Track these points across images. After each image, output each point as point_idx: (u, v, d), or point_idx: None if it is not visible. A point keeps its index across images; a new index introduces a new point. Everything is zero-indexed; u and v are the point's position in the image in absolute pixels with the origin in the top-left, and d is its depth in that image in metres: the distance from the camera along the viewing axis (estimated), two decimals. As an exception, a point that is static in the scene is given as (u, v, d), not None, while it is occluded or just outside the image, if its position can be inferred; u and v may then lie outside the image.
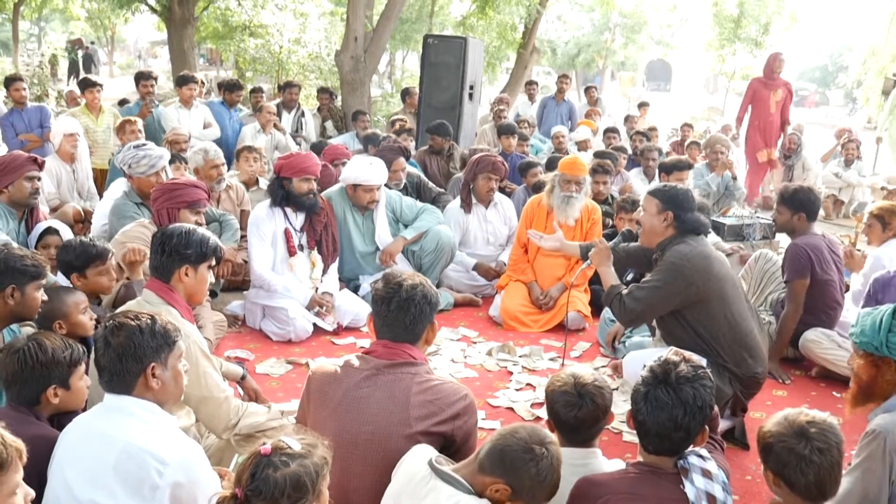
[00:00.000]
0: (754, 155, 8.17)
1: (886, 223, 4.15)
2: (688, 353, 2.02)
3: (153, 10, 13.71)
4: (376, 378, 2.12)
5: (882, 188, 8.27)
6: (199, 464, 1.79)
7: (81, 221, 5.42)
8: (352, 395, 2.11)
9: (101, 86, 6.90)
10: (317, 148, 6.39)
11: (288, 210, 4.25)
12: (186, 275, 2.49)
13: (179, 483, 1.71)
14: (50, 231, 3.72)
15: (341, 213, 4.66)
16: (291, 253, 4.25)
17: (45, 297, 2.54)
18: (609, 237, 4.24)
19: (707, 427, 1.92)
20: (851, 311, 4.15)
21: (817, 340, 3.78)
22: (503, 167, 5.15)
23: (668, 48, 32.05)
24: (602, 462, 2.14)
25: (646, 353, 2.98)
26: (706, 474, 1.85)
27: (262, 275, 4.15)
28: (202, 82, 8.61)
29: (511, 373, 3.83)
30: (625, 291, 3.06)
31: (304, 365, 3.78)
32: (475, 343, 4.24)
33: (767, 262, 4.21)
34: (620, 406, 3.10)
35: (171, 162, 4.91)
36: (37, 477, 1.77)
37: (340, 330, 4.30)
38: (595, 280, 4.67)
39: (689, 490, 1.82)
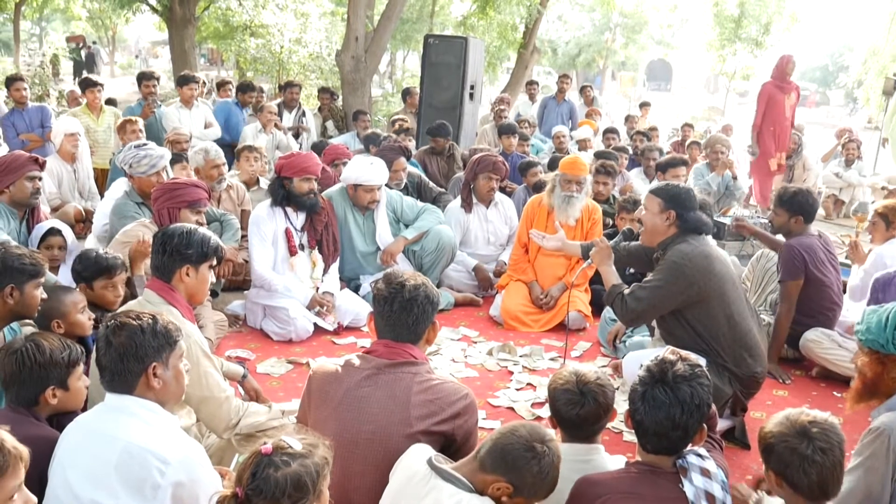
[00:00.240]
0: (767, 161, 7.69)
1: (890, 221, 4.15)
2: (685, 353, 2.02)
3: (154, 10, 13.73)
4: (377, 377, 2.12)
5: (882, 188, 8.27)
6: (201, 463, 1.79)
7: (82, 221, 5.43)
8: (353, 394, 2.11)
9: (101, 86, 6.91)
10: (317, 148, 6.40)
11: (289, 210, 4.25)
12: (187, 275, 2.49)
13: (181, 482, 1.71)
14: (53, 232, 3.73)
15: (342, 213, 4.67)
16: (292, 253, 4.25)
17: (45, 296, 2.55)
18: (610, 237, 4.24)
19: (705, 426, 1.93)
20: (852, 310, 4.16)
21: (818, 340, 3.78)
22: (504, 167, 5.16)
23: (669, 48, 32.05)
24: (605, 458, 2.14)
25: (645, 354, 2.98)
26: (705, 473, 1.85)
27: (263, 274, 4.16)
28: (203, 82, 8.64)
29: (511, 372, 3.83)
30: (627, 291, 3.06)
31: (304, 364, 3.78)
32: (476, 343, 4.25)
33: (768, 262, 4.21)
34: (621, 406, 3.10)
35: (174, 162, 4.92)
36: (37, 477, 1.78)
37: (341, 329, 4.30)
38: (595, 280, 4.67)
39: (688, 489, 1.82)
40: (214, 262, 2.58)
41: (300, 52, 13.44)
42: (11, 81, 6.60)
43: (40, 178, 3.81)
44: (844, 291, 4.15)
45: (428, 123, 7.35)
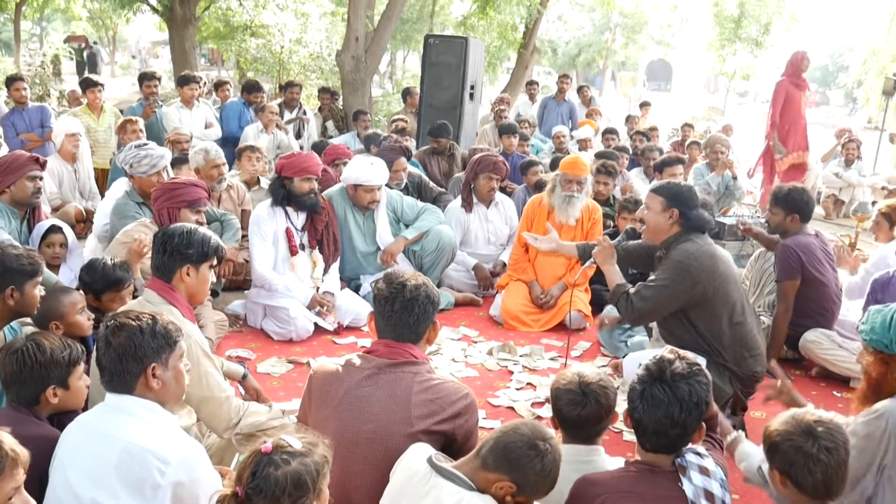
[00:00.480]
0: (780, 161, 7.50)
1: (894, 221, 4.15)
2: (683, 352, 2.02)
3: (154, 10, 13.73)
4: (378, 377, 2.12)
5: (882, 188, 8.28)
6: (201, 463, 1.79)
7: (83, 221, 5.44)
8: (353, 394, 2.11)
9: (102, 86, 6.92)
10: (318, 148, 6.40)
11: (289, 209, 4.26)
12: (188, 274, 2.49)
13: (181, 482, 1.72)
14: (54, 229, 3.73)
15: (342, 213, 4.67)
16: (293, 252, 4.25)
17: (43, 293, 2.55)
18: (611, 237, 4.24)
19: (703, 424, 1.93)
20: (852, 310, 4.16)
21: (817, 341, 3.78)
22: (504, 167, 5.16)
23: (669, 48, 32.08)
24: (605, 459, 2.15)
25: (644, 354, 2.98)
26: (704, 472, 1.86)
27: (264, 274, 4.16)
28: (204, 83, 8.65)
29: (512, 372, 3.84)
30: (632, 290, 3.04)
31: (305, 364, 3.78)
32: (476, 342, 4.25)
33: (766, 262, 4.20)
34: (621, 406, 3.10)
35: (176, 164, 4.93)
36: (38, 477, 1.78)
37: (341, 329, 4.31)
38: (595, 280, 4.68)
39: (688, 488, 1.82)
40: (215, 262, 2.58)
41: (300, 52, 13.44)
42: (11, 81, 6.61)
43: (41, 178, 3.82)
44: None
45: (428, 123, 7.36)
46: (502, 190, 5.55)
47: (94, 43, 24.36)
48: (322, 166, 4.49)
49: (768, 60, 23.24)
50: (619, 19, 28.18)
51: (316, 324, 4.21)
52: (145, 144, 4.30)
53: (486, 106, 11.19)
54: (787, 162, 7.35)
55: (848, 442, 1.79)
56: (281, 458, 1.54)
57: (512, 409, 3.43)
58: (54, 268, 3.66)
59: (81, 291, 2.89)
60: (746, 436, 3.06)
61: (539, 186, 5.29)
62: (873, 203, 7.00)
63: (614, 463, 2.14)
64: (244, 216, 4.83)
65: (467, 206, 5.13)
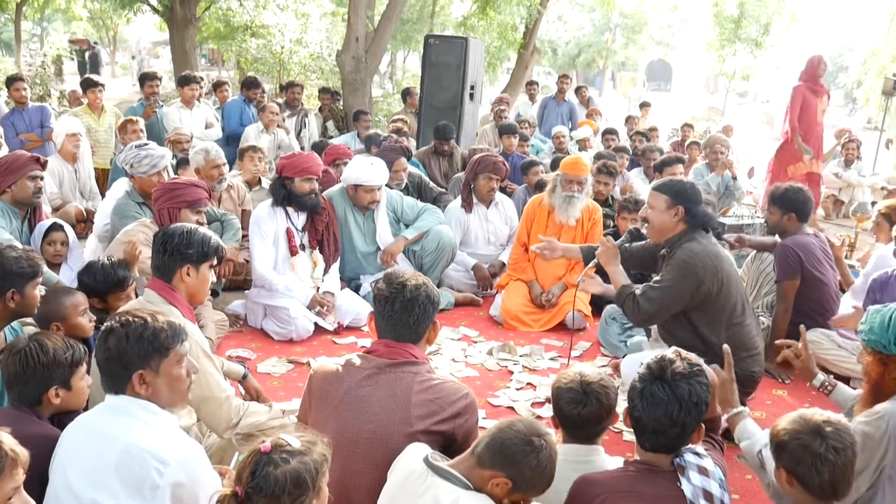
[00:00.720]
0: (786, 165, 7.25)
1: (894, 221, 4.15)
2: (686, 352, 2.03)
3: (155, 10, 13.73)
4: (378, 377, 2.12)
5: (882, 188, 8.28)
6: (200, 463, 1.80)
7: (83, 221, 5.44)
8: (353, 393, 2.11)
9: (103, 86, 6.93)
10: (318, 148, 6.41)
11: (290, 210, 4.26)
12: (188, 274, 2.49)
13: (180, 483, 1.72)
14: (55, 227, 3.74)
15: (342, 213, 4.67)
16: (293, 252, 4.26)
17: (44, 292, 2.55)
18: (613, 237, 4.24)
19: (703, 424, 1.93)
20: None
21: (817, 341, 3.78)
22: (504, 167, 5.17)
23: (669, 48, 32.10)
24: (605, 459, 2.15)
25: (643, 356, 2.98)
26: (703, 471, 1.86)
27: (264, 274, 4.16)
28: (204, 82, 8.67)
29: (512, 372, 3.84)
30: (638, 291, 3.02)
31: (305, 364, 3.79)
32: (476, 342, 4.26)
33: (763, 263, 4.20)
34: (621, 406, 3.11)
35: (179, 165, 4.93)
36: (38, 476, 1.79)
37: (341, 329, 4.31)
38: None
39: (686, 487, 1.82)
40: (215, 262, 2.59)
41: (301, 52, 13.45)
42: (12, 81, 6.62)
43: (42, 178, 3.83)
44: (841, 290, 4.15)
45: (428, 123, 7.36)
46: (502, 190, 5.56)
47: (95, 43, 24.36)
48: (323, 167, 4.50)
49: (768, 61, 23.26)
50: (618, 19, 28.20)
51: (316, 324, 4.22)
52: (146, 144, 4.30)
53: (486, 106, 11.19)
54: (802, 168, 7.15)
55: (856, 443, 1.79)
56: (280, 457, 1.55)
57: (512, 409, 3.43)
58: (55, 266, 3.67)
59: (83, 293, 2.89)
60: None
61: (540, 186, 5.29)
62: (873, 203, 7.01)
63: (614, 463, 2.14)
64: (244, 216, 4.84)
65: (467, 206, 5.14)
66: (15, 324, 2.61)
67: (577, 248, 3.58)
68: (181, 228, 2.53)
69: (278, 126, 7.25)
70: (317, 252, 4.38)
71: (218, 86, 8.97)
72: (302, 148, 7.51)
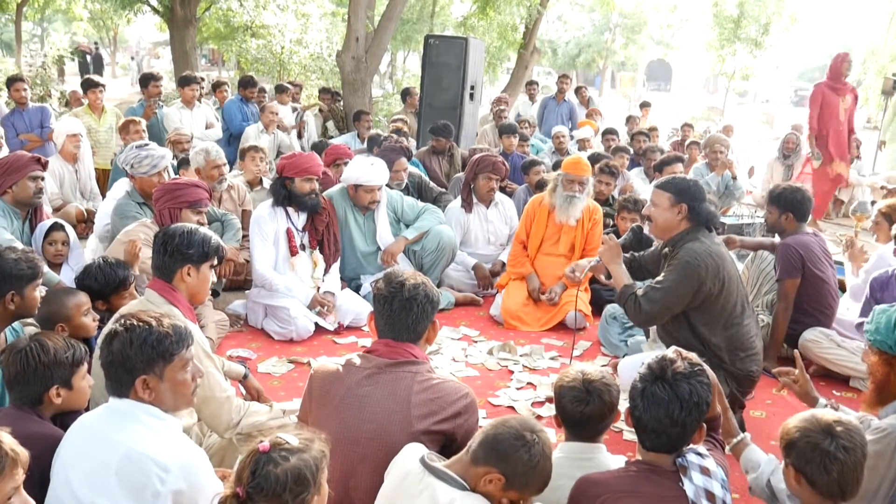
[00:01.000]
0: (823, 169, 7.26)
1: (894, 221, 4.16)
2: (686, 352, 2.03)
3: (155, 10, 13.74)
4: (378, 377, 2.13)
5: (882, 188, 8.27)
6: (202, 470, 1.79)
7: (84, 221, 5.45)
8: (353, 393, 2.12)
9: (103, 86, 6.93)
10: (318, 148, 6.42)
11: (290, 210, 4.27)
12: (189, 274, 2.49)
13: (181, 490, 1.72)
14: (56, 227, 3.74)
15: (343, 213, 4.68)
16: (293, 252, 4.26)
17: (44, 293, 2.55)
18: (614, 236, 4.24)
19: (704, 424, 1.93)
20: (852, 309, 4.17)
21: (816, 340, 3.79)
22: (504, 167, 5.17)
23: (669, 48, 32.11)
24: (607, 457, 2.16)
25: (640, 358, 2.98)
26: (705, 472, 1.86)
27: (264, 274, 4.17)
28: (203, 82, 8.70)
29: (512, 372, 3.85)
30: (640, 292, 3.01)
31: (305, 364, 3.79)
32: (476, 342, 4.26)
33: (763, 262, 4.21)
34: (621, 405, 3.11)
35: (181, 165, 4.94)
36: (40, 476, 1.79)
37: (342, 329, 4.32)
38: (595, 279, 4.68)
39: (688, 487, 1.82)
40: (215, 262, 2.58)
41: (301, 52, 13.46)
42: (12, 82, 6.63)
43: (43, 178, 3.83)
44: (841, 289, 4.16)
45: (428, 123, 7.36)
46: (502, 190, 5.56)
47: (95, 44, 24.38)
48: (323, 167, 4.50)
49: (768, 61, 23.25)
50: (618, 20, 28.20)
51: (316, 324, 4.22)
52: (146, 145, 4.31)
53: (486, 106, 11.20)
54: (833, 169, 7.02)
55: (866, 445, 1.78)
56: (280, 456, 1.55)
57: (512, 408, 3.43)
58: (56, 266, 3.67)
59: (85, 293, 2.89)
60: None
61: (540, 186, 5.30)
62: (873, 202, 7.00)
63: (616, 461, 2.15)
64: (245, 216, 4.84)
65: (467, 206, 5.14)
66: (16, 324, 2.62)
67: (597, 259, 3.45)
68: (182, 229, 2.53)
69: (278, 127, 7.26)
70: (317, 252, 4.38)
71: (217, 86, 8.98)
72: (301, 148, 7.53)
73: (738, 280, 3.08)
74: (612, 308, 4.13)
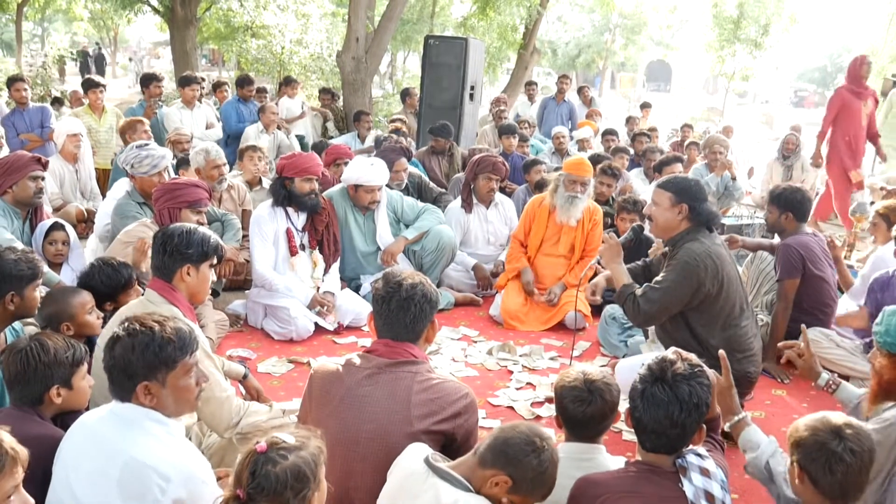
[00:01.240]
0: (843, 175, 6.92)
1: (892, 222, 4.16)
2: (686, 353, 2.03)
3: (156, 10, 13.76)
4: (378, 377, 2.13)
5: (881, 188, 8.26)
6: (203, 479, 1.79)
7: (84, 221, 5.45)
8: (353, 393, 2.12)
9: (104, 86, 6.94)
10: (318, 148, 6.42)
11: (290, 210, 4.27)
12: (188, 274, 2.49)
13: (181, 499, 1.72)
14: (56, 227, 3.75)
15: (343, 213, 4.68)
16: (293, 252, 4.27)
17: (44, 293, 2.55)
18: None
19: (704, 425, 1.93)
20: (851, 310, 4.17)
21: (816, 340, 3.79)
22: (503, 167, 5.18)
23: (668, 49, 32.09)
24: (607, 458, 2.16)
25: (636, 361, 2.98)
26: (704, 473, 1.86)
27: (264, 274, 4.17)
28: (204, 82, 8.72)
29: (511, 372, 3.85)
30: (638, 292, 3.01)
31: (305, 364, 3.79)
32: (476, 342, 4.26)
33: (762, 263, 4.22)
34: (621, 405, 3.12)
35: (180, 165, 4.94)
36: (41, 476, 1.79)
37: (341, 329, 4.32)
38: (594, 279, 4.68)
39: (688, 488, 1.83)
40: (215, 262, 2.59)
41: (301, 52, 13.46)
42: (12, 82, 6.63)
43: (43, 178, 3.83)
44: (840, 290, 4.16)
45: (428, 124, 7.37)
46: (502, 190, 5.57)
47: (97, 44, 24.38)
48: (322, 167, 4.51)
49: (767, 61, 23.24)
50: (618, 20, 28.18)
51: (316, 323, 4.22)
52: (146, 145, 4.31)
53: (485, 106, 11.20)
54: (855, 175, 6.76)
55: (874, 451, 1.78)
56: (278, 455, 1.55)
57: (512, 408, 3.43)
58: (56, 266, 3.68)
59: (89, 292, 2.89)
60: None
61: (540, 186, 5.30)
62: (871, 203, 7.00)
63: (616, 462, 2.15)
64: (245, 216, 4.85)
65: (467, 206, 5.15)
66: (16, 324, 2.62)
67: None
68: (181, 228, 2.53)
69: (278, 127, 7.27)
70: (317, 252, 4.39)
71: (218, 86, 9.00)
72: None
73: (738, 281, 3.08)
74: (611, 308, 4.13)
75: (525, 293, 4.59)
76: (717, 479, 1.87)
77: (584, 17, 29.13)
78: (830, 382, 2.49)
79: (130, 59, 27.78)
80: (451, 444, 2.11)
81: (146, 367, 1.80)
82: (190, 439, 2.31)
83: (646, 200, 4.39)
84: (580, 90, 10.50)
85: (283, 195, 4.21)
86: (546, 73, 29.34)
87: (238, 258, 4.44)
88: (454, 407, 2.11)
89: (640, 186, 6.44)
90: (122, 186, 4.55)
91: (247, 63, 14.06)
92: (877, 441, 2.04)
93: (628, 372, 2.65)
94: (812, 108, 31.80)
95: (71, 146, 5.69)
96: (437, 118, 7.40)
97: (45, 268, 3.04)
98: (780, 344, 2.59)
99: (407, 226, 4.83)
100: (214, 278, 2.64)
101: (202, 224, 3.51)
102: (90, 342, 2.62)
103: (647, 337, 3.57)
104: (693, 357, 2.01)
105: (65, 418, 2.09)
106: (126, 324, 1.87)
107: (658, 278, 3.01)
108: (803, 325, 2.62)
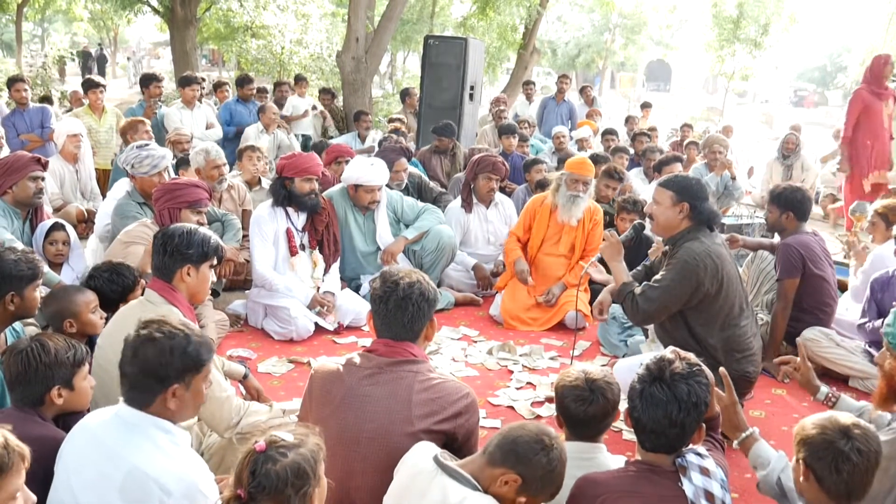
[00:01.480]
0: (860, 178, 6.68)
1: (891, 221, 4.16)
2: (685, 353, 2.03)
3: (155, 11, 13.76)
4: (378, 376, 2.13)
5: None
6: (205, 492, 1.78)
7: (84, 221, 5.45)
8: (354, 393, 2.12)
9: (104, 86, 6.95)
10: (318, 148, 6.43)
11: (290, 210, 4.27)
12: (188, 274, 2.49)
13: None
14: (56, 227, 3.75)
15: (343, 213, 4.68)
16: (293, 252, 4.27)
17: (44, 293, 2.55)
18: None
19: (703, 424, 1.93)
20: (851, 310, 4.18)
21: (816, 339, 3.79)
22: (503, 167, 5.18)
23: (668, 49, 32.08)
24: (607, 457, 2.16)
25: (634, 362, 2.98)
26: (704, 472, 1.86)
27: (264, 274, 4.17)
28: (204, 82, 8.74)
29: (511, 372, 3.85)
30: (638, 291, 3.01)
31: (305, 364, 3.79)
32: (476, 342, 4.26)
33: (763, 262, 4.22)
34: (621, 405, 3.12)
35: (180, 165, 4.94)
36: (42, 477, 1.79)
37: (342, 329, 4.32)
38: (595, 280, 4.69)
39: (688, 488, 1.83)
40: (215, 262, 2.59)
41: (301, 52, 13.48)
42: (12, 82, 6.64)
43: (43, 179, 3.83)
44: (840, 289, 4.16)
45: (428, 124, 7.38)
46: (502, 190, 5.57)
47: (99, 44, 24.39)
48: (322, 167, 4.51)
49: (767, 61, 23.24)
50: (618, 20, 28.18)
51: (316, 323, 4.23)
52: (146, 145, 4.31)
53: (485, 106, 11.21)
54: (868, 183, 6.57)
55: (881, 453, 1.77)
56: (277, 453, 1.56)
57: (512, 408, 3.43)
58: (57, 266, 3.68)
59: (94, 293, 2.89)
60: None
61: (541, 185, 5.30)
62: (871, 203, 6.99)
63: (616, 461, 2.15)
64: (245, 216, 4.85)
65: (467, 206, 5.15)
66: (17, 325, 2.62)
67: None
68: (181, 229, 2.53)
69: (278, 127, 7.27)
70: (317, 252, 4.39)
71: (218, 86, 9.01)
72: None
73: (738, 281, 3.08)
74: (611, 308, 4.13)
75: (520, 282, 4.56)
76: (716, 479, 1.87)
77: (584, 17, 29.13)
78: (830, 396, 2.46)
79: (129, 59, 27.78)
80: (451, 443, 2.11)
81: (181, 369, 1.80)
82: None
83: (645, 200, 4.40)
84: (582, 90, 10.51)
85: (283, 195, 4.21)
86: (546, 72, 29.34)
87: (238, 258, 4.45)
88: (455, 407, 2.11)
89: (640, 186, 6.44)
90: (122, 187, 4.55)
91: (247, 63, 14.07)
92: (887, 453, 1.98)
93: (626, 372, 2.65)
94: (812, 107, 31.81)
95: (71, 146, 5.69)
96: (436, 118, 7.40)
97: (46, 268, 3.04)
98: (775, 360, 2.57)
99: (407, 226, 4.83)
100: (214, 279, 2.64)
101: (202, 224, 3.52)
102: (90, 342, 2.62)
103: (647, 336, 3.57)
104: (691, 356, 2.00)
105: (66, 419, 2.09)
106: (154, 326, 1.84)
107: (657, 277, 3.01)
108: (799, 340, 2.62)
